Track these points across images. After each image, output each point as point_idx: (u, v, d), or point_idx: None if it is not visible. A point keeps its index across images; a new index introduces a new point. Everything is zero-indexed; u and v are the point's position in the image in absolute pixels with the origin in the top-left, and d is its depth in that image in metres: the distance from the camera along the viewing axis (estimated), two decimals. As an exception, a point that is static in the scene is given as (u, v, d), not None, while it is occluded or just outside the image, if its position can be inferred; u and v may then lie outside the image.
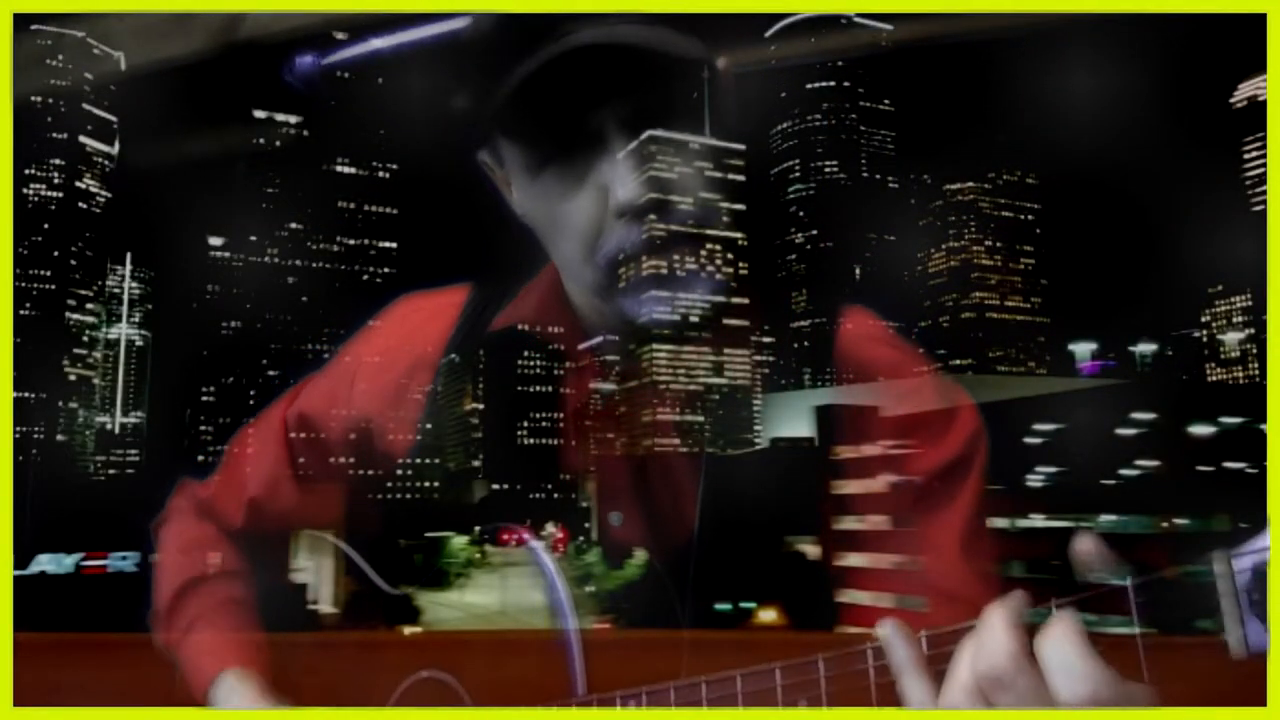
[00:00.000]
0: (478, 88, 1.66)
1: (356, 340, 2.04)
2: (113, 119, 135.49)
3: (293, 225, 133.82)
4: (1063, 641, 1.07)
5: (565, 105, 1.53)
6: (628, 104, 1.62)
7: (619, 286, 1.64)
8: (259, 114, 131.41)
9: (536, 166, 1.68)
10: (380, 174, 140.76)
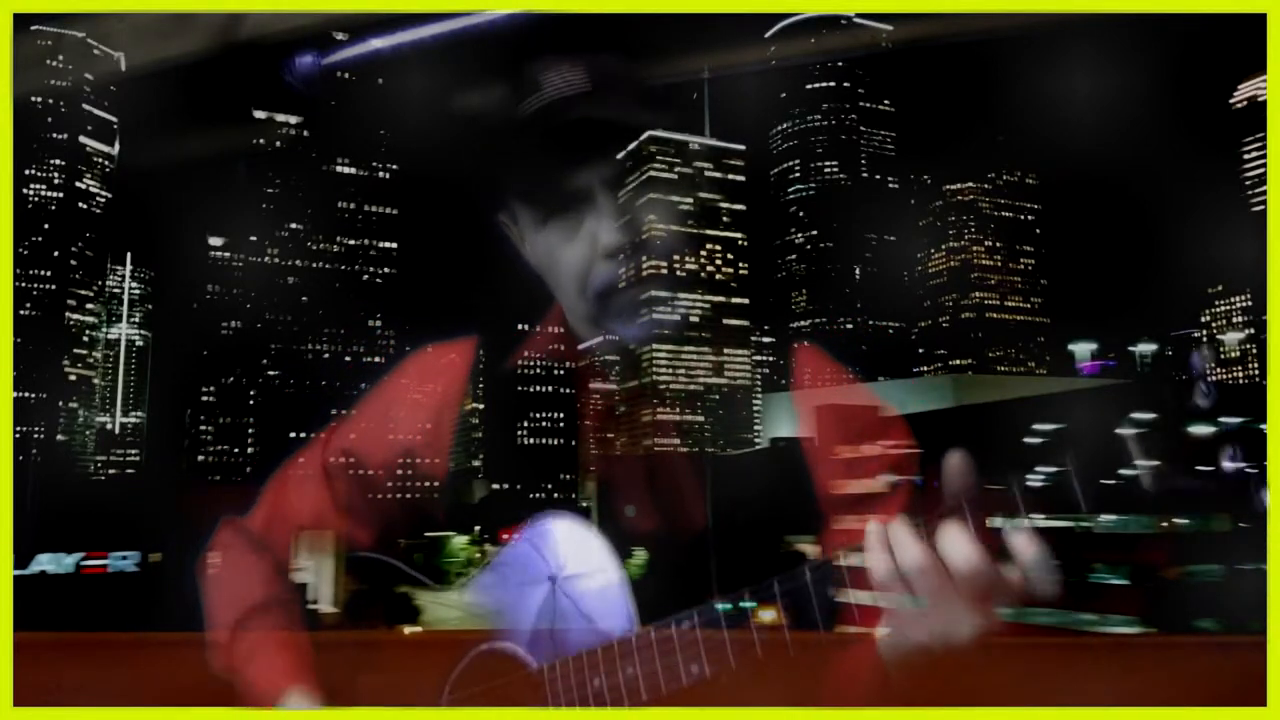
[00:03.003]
0: (499, 150, 2.24)
1: (379, 389, 2.51)
2: (113, 119, 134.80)
3: (293, 225, 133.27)
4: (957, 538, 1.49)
5: (562, 171, 2.18)
6: (610, 165, 2.23)
7: (609, 315, 2.12)
8: (259, 114, 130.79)
9: (541, 223, 2.30)
10: (380, 174, 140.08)
